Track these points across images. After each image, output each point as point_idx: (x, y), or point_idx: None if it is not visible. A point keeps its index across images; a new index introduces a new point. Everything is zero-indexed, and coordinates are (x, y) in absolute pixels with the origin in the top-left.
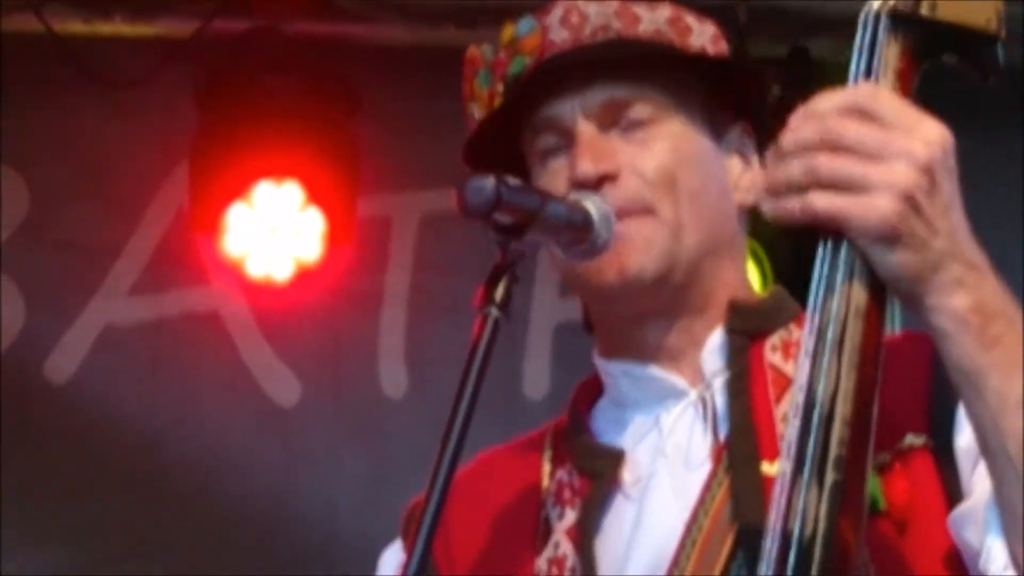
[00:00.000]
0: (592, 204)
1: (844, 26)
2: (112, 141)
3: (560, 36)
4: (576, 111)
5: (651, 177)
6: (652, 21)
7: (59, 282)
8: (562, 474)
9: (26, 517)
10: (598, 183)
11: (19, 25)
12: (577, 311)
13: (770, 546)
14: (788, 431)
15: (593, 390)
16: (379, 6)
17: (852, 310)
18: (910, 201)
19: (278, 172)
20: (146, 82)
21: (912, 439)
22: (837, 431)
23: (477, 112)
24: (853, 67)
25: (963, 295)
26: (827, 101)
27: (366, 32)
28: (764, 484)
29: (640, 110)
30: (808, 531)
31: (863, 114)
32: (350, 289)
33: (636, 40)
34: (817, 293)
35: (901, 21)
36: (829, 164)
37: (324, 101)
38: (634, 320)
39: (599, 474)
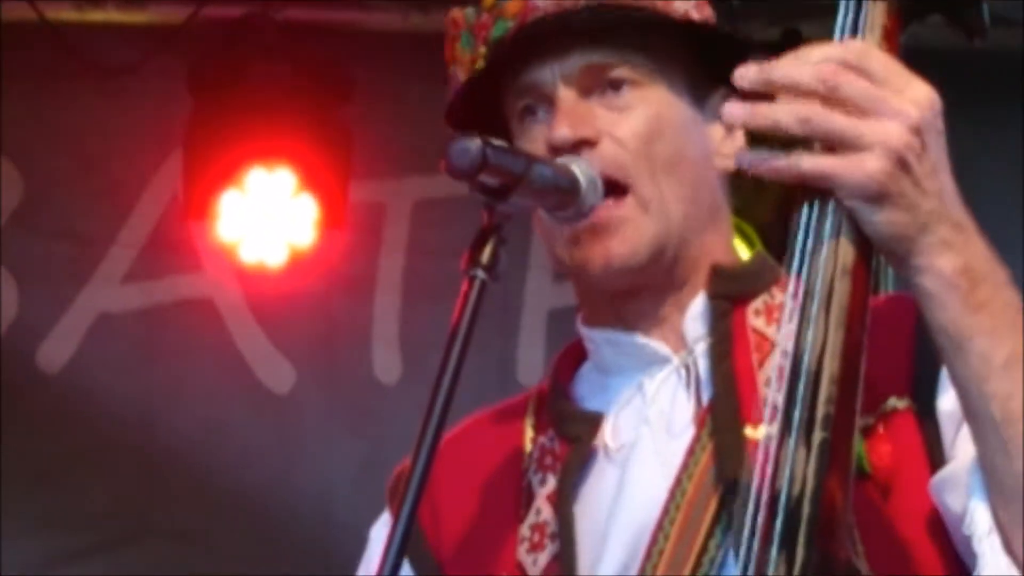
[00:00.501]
0: (579, 168)
1: (836, 9)
2: (105, 129)
3: (543, 1)
4: (556, 76)
5: (630, 144)
6: None
7: (53, 270)
8: (544, 440)
9: (21, 505)
10: (575, 147)
11: (11, 13)
12: (571, 296)
13: (757, 504)
14: (773, 391)
15: (576, 356)
16: None
17: (839, 269)
18: (900, 161)
19: (271, 158)
20: (138, 69)
21: (895, 402)
22: (825, 389)
23: (459, 74)
24: (839, 24)
25: (950, 257)
26: (819, 52)
27: (358, 18)
28: (748, 447)
29: (620, 75)
30: (796, 490)
31: (856, 69)
32: (343, 275)
33: (619, 5)
34: (803, 252)
35: None
36: (825, 117)
37: (316, 87)
38: (619, 295)
39: (578, 439)
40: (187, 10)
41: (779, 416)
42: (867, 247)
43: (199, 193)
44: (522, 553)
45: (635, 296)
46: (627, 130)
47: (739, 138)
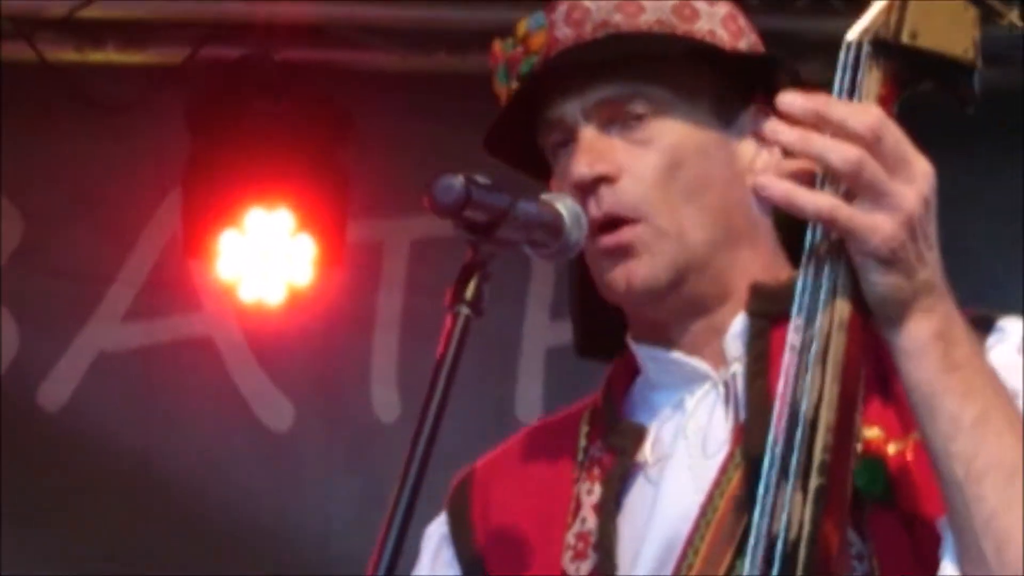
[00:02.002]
0: (563, 204)
1: (834, 49)
2: (105, 168)
3: (563, 33)
4: (577, 111)
5: (648, 179)
6: (655, 10)
7: (53, 309)
8: (594, 450)
9: (21, 541)
10: (594, 184)
11: (12, 53)
12: (568, 334)
13: (755, 546)
14: (771, 437)
15: (631, 369)
16: (370, 32)
17: (836, 323)
18: (911, 228)
19: (269, 198)
20: (138, 109)
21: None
22: (821, 438)
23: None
24: (836, 94)
25: (931, 321)
26: (848, 107)
27: (357, 58)
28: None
29: (638, 107)
30: (793, 534)
31: (881, 133)
32: (342, 313)
33: (635, 34)
34: (801, 301)
35: (882, 49)
36: (874, 168)
37: (315, 127)
38: (656, 318)
39: (622, 450)
40: (186, 50)
41: (777, 460)
42: (864, 303)
43: (198, 232)
44: (566, 561)
45: (671, 319)
46: (646, 165)
47: (774, 153)
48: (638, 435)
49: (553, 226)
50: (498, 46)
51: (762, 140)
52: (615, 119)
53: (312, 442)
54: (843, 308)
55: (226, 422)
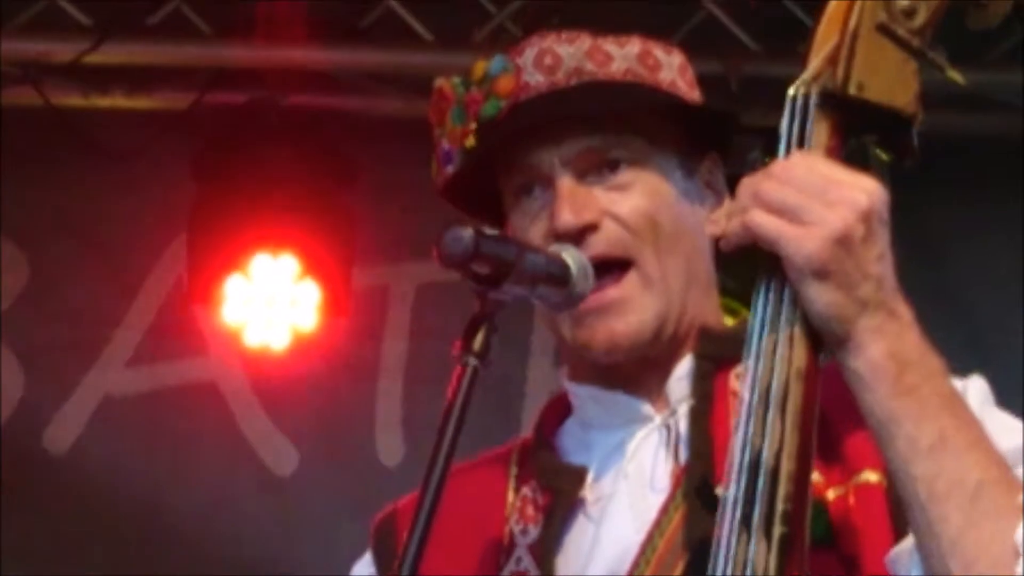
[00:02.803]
0: (570, 256)
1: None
2: (111, 213)
3: (535, 79)
4: (554, 159)
5: (631, 222)
6: (623, 58)
7: (58, 353)
8: (527, 491)
9: None
10: (580, 234)
11: (18, 98)
12: None
13: None
14: (730, 487)
15: (561, 410)
16: (374, 79)
17: (793, 372)
18: (846, 242)
19: (275, 244)
20: (144, 154)
21: (868, 475)
22: (783, 487)
23: (446, 143)
24: (783, 145)
25: (882, 342)
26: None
27: (362, 104)
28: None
29: (617, 156)
30: None
31: (808, 166)
32: (347, 358)
33: (612, 83)
34: (757, 350)
35: (829, 100)
36: (774, 189)
37: (320, 173)
38: (616, 364)
39: (562, 491)
40: (192, 95)
41: (739, 510)
42: (819, 349)
43: (203, 277)
44: None
45: (630, 363)
46: (628, 208)
47: (727, 203)
48: (578, 476)
49: (560, 278)
50: (447, 86)
51: (716, 192)
52: (592, 168)
53: (316, 486)
54: (800, 357)
55: (231, 466)
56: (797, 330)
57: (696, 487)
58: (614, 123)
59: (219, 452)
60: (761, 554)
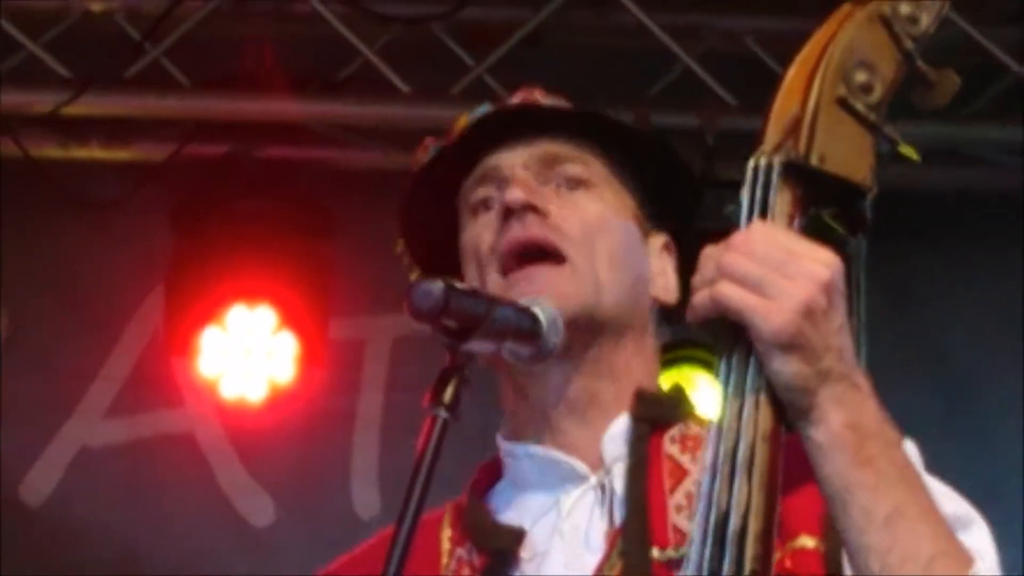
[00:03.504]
0: (540, 308)
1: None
2: (89, 264)
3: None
4: (517, 161)
5: (575, 228)
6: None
7: (35, 404)
8: (461, 552)
9: None
10: (524, 210)
11: None
12: None
13: None
14: (694, 548)
15: (492, 473)
16: (352, 131)
17: (759, 435)
18: (810, 314)
19: (252, 295)
20: (122, 206)
21: (805, 540)
22: (751, 547)
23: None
24: (745, 213)
25: (842, 412)
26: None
27: (339, 156)
28: (653, 570)
29: (576, 169)
30: None
31: (770, 239)
32: (324, 410)
33: (583, 112)
34: (724, 412)
35: (791, 170)
36: (738, 261)
37: (298, 225)
38: (545, 408)
39: (498, 551)
40: (170, 147)
41: (703, 569)
42: (782, 412)
43: (181, 329)
44: None
45: (562, 413)
46: (577, 217)
47: (672, 280)
48: (514, 536)
49: (530, 331)
50: (431, 140)
51: (664, 267)
52: (552, 179)
53: (292, 538)
54: (766, 420)
55: (208, 517)
56: (763, 396)
57: (632, 546)
58: (579, 139)
59: (196, 503)
60: None
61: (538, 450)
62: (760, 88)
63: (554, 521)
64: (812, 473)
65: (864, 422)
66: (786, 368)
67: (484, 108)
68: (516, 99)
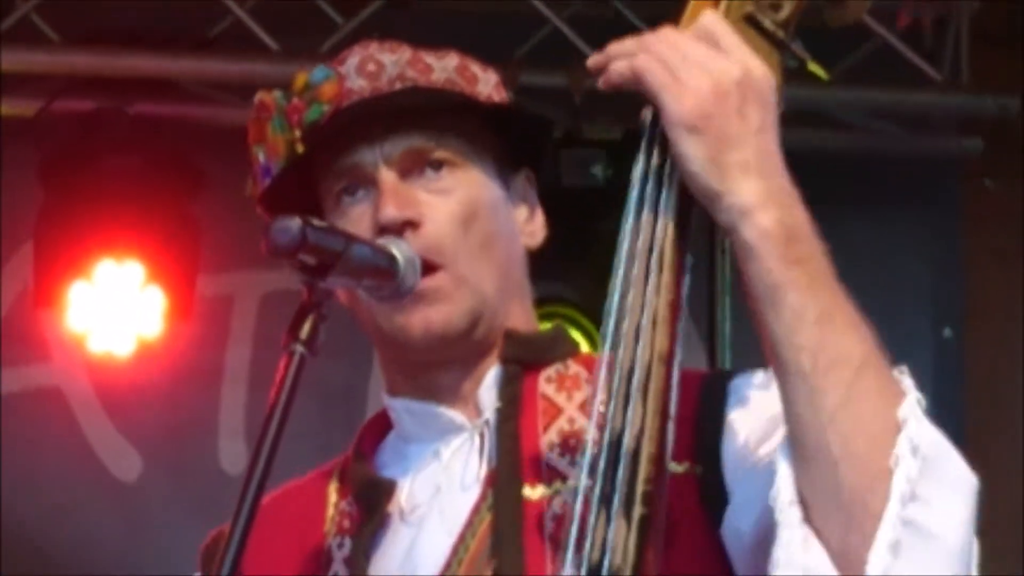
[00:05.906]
0: (398, 248)
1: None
2: None
3: (358, 84)
4: (378, 159)
5: (447, 227)
6: (443, 69)
7: None
8: (344, 504)
9: None
10: (401, 228)
11: None
12: None
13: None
14: (587, 463)
15: (382, 425)
16: (222, 88)
17: (656, 356)
18: (721, 101)
19: (120, 250)
20: None
21: (674, 466)
22: (643, 469)
23: (262, 156)
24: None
25: (773, 210)
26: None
27: (209, 113)
28: (524, 507)
29: (440, 157)
30: (617, 562)
31: (696, 37)
32: (191, 366)
33: (430, 89)
34: (615, 336)
35: None
36: (666, 45)
37: (166, 181)
38: (427, 366)
39: (372, 504)
40: (39, 102)
41: (597, 489)
42: (677, 332)
43: (49, 283)
44: None
45: (441, 368)
46: (446, 213)
47: (539, 219)
48: (387, 488)
49: (387, 270)
50: (267, 98)
51: (530, 207)
52: (414, 168)
53: (159, 492)
54: (662, 341)
55: (74, 472)
56: (661, 317)
57: (503, 486)
58: (435, 124)
59: (63, 458)
60: (621, 534)
61: (417, 405)
62: None
63: (434, 471)
64: (684, 405)
65: (795, 224)
66: (694, 152)
67: (321, 70)
68: (353, 58)
